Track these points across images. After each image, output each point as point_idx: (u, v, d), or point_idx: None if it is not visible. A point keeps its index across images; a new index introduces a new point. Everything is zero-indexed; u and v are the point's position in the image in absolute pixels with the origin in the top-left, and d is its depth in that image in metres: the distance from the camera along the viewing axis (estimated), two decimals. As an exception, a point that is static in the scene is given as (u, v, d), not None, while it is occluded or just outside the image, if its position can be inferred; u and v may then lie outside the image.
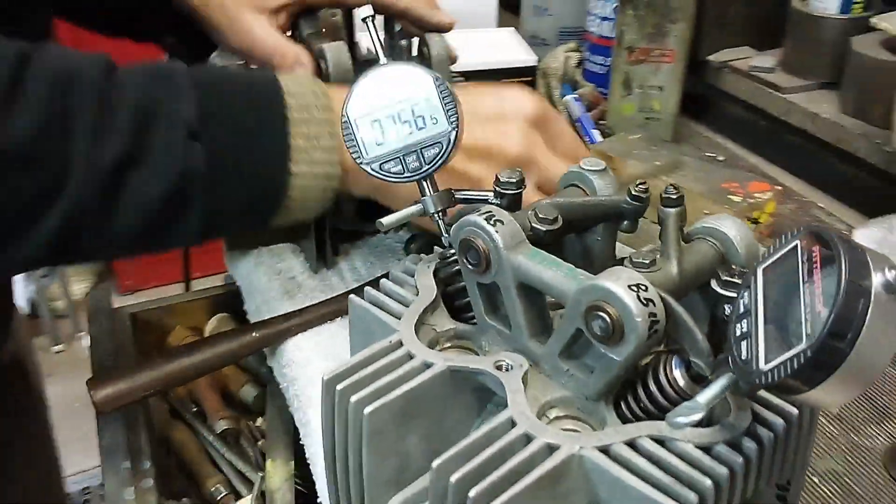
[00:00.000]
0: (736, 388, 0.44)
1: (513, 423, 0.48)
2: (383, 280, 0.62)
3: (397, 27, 0.93)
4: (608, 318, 0.46)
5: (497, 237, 0.52)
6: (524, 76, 1.19)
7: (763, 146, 1.13)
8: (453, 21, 0.88)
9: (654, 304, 0.46)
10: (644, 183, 0.59)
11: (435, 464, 0.46)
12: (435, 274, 0.61)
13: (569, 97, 1.19)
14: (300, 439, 0.72)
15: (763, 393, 0.49)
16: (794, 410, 0.49)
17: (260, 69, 0.65)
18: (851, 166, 1.00)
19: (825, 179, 1.03)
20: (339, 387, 0.51)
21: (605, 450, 0.46)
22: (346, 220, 0.87)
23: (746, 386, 0.44)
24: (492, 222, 0.52)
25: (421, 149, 0.58)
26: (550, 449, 0.46)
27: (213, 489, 0.79)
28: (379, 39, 0.61)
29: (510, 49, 1.23)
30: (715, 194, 0.90)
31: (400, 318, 0.57)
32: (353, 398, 0.50)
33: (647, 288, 0.46)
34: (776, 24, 1.13)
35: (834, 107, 1.02)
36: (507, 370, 0.52)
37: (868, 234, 0.81)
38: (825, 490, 0.61)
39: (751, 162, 1.11)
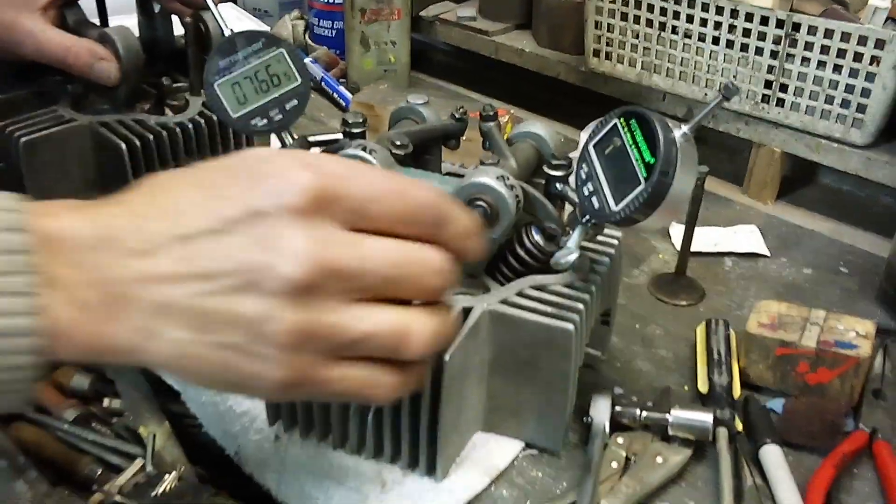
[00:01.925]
0: (587, 232, 0.61)
1: (429, 302, 0.61)
2: (262, 224, 0.70)
3: (156, 7, 0.98)
4: (486, 206, 0.60)
5: (374, 162, 0.63)
6: (261, 46, 1.27)
7: (480, 83, 1.33)
8: None
9: (516, 189, 0.61)
10: (462, 107, 0.74)
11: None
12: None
13: (306, 60, 1.29)
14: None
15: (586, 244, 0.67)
16: (613, 251, 0.68)
17: None
18: (555, 89, 1.23)
19: (535, 102, 1.26)
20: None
21: (504, 302, 0.61)
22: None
23: (599, 229, 0.62)
24: (367, 151, 0.64)
25: (282, 103, 0.67)
26: (466, 311, 0.60)
27: (87, 470, 0.81)
28: (219, 13, 0.68)
29: (242, 23, 1.30)
30: (471, 121, 1.08)
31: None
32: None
33: (509, 178, 0.61)
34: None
35: (532, 43, 1.25)
36: (404, 267, 0.64)
37: (588, 131, 1.04)
38: (620, 319, 0.82)
39: (472, 97, 1.31)
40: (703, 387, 0.71)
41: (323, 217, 0.40)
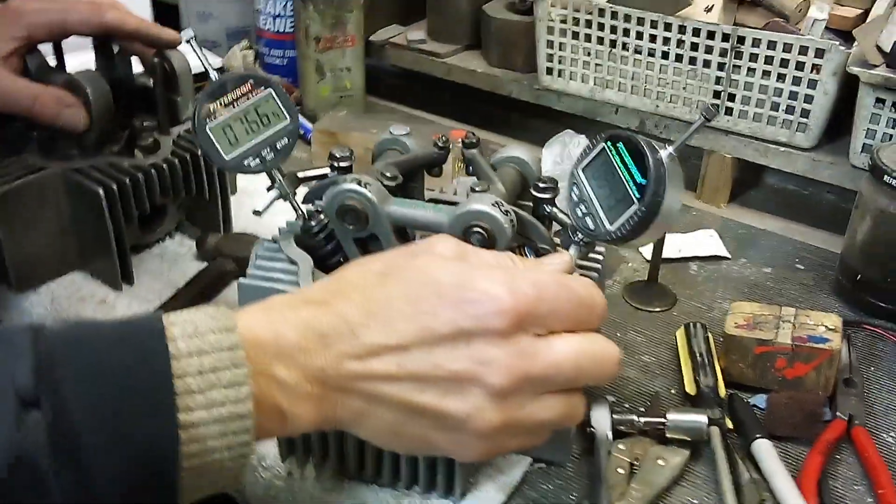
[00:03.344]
0: (580, 251, 0.64)
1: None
2: (258, 262, 0.71)
3: (116, 48, 0.97)
4: (483, 232, 0.63)
5: (371, 196, 0.65)
6: (213, 78, 1.27)
7: (432, 104, 1.35)
8: (179, 37, 0.95)
9: (510, 213, 0.64)
10: (445, 136, 0.76)
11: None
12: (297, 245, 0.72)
13: (259, 91, 1.29)
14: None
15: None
16: (600, 266, 0.71)
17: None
18: (509, 107, 1.27)
19: (490, 121, 1.29)
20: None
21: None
22: (131, 235, 0.91)
23: (590, 248, 0.65)
24: (363, 185, 0.65)
25: (273, 142, 0.68)
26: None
27: None
28: (204, 56, 0.69)
29: (192, 56, 1.29)
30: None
31: (299, 286, 0.67)
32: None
33: (503, 203, 0.64)
34: (415, 2, 1.37)
35: (483, 63, 1.28)
36: (405, 296, 0.66)
37: (552, 150, 1.08)
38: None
39: (426, 118, 1.33)
40: (690, 389, 0.75)
41: (518, 333, 0.48)
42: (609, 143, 0.61)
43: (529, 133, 1.27)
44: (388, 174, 0.69)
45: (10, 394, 0.41)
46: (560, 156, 1.08)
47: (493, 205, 0.63)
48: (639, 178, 0.58)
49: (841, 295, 0.91)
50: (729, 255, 0.98)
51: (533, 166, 0.74)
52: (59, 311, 0.85)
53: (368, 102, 1.31)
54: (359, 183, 0.65)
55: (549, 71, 1.16)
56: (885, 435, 0.73)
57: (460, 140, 0.76)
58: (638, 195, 0.58)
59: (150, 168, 0.86)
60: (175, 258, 0.94)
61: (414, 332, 0.48)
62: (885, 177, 0.81)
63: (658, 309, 0.89)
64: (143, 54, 0.94)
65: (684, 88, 1.05)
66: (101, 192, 0.82)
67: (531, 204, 0.73)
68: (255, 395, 0.45)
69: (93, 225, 0.85)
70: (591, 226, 0.61)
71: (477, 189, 0.68)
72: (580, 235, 0.63)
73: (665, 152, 0.59)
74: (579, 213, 0.62)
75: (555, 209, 0.69)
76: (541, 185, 0.69)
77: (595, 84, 1.13)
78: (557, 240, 0.67)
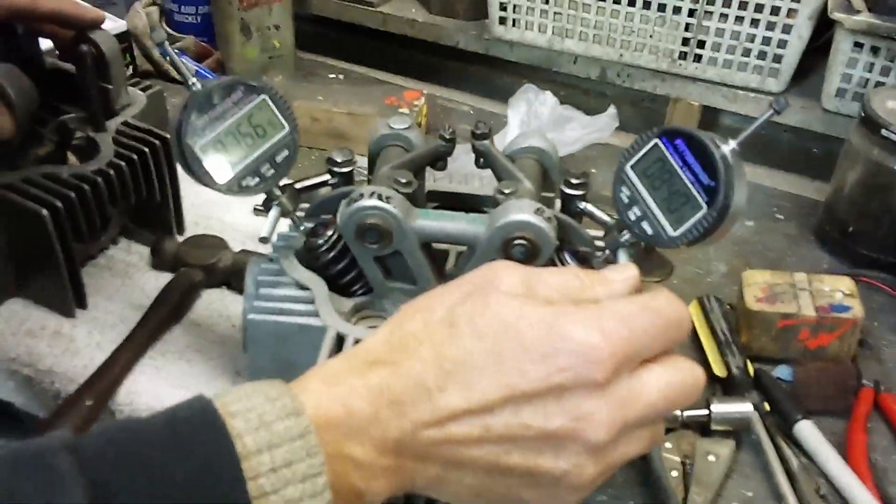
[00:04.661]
0: (629, 253, 0.60)
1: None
2: (263, 290, 0.62)
3: (20, 29, 0.83)
4: (527, 243, 0.57)
5: (396, 211, 0.58)
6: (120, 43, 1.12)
7: (365, 56, 1.25)
8: (101, 13, 0.82)
9: (553, 220, 0.58)
10: (451, 128, 0.68)
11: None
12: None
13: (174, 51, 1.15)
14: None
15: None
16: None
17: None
18: (450, 56, 1.18)
19: (438, 75, 1.21)
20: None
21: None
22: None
23: (636, 248, 0.60)
24: (384, 199, 0.58)
25: (272, 155, 0.59)
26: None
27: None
28: (182, 62, 0.59)
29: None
30: (386, 111, 1.01)
31: (318, 317, 0.60)
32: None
33: (544, 209, 0.58)
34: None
35: (422, 11, 1.18)
36: (441, 318, 0.60)
37: (516, 108, 1.01)
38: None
39: (366, 74, 1.21)
40: (719, 371, 0.72)
41: (615, 378, 0.43)
42: (664, 139, 0.56)
43: (477, 84, 1.20)
44: (402, 180, 0.61)
45: None
46: (527, 115, 1.02)
47: (535, 213, 0.57)
48: (704, 179, 0.53)
49: (827, 246, 0.91)
50: (710, 210, 0.96)
51: (553, 156, 0.67)
52: (5, 349, 0.74)
53: (300, 61, 1.20)
54: (379, 197, 0.58)
55: (503, 20, 1.08)
56: (904, 396, 0.74)
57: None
58: (706, 198, 0.53)
59: (95, 177, 0.74)
60: (126, 270, 0.83)
61: (498, 391, 0.42)
62: (883, 130, 0.80)
63: (659, 279, 0.86)
64: (56, 35, 0.81)
65: (651, 36, 1.00)
66: (44, 212, 0.70)
67: (552, 195, 0.68)
68: (332, 482, 0.40)
69: (34, 246, 0.73)
70: (650, 231, 0.56)
71: (506, 192, 0.61)
72: (627, 236, 0.58)
73: (728, 147, 0.54)
74: (632, 217, 0.57)
75: (588, 205, 0.64)
76: (573, 180, 0.63)
77: (553, 33, 1.06)
78: (597, 233, 0.62)
